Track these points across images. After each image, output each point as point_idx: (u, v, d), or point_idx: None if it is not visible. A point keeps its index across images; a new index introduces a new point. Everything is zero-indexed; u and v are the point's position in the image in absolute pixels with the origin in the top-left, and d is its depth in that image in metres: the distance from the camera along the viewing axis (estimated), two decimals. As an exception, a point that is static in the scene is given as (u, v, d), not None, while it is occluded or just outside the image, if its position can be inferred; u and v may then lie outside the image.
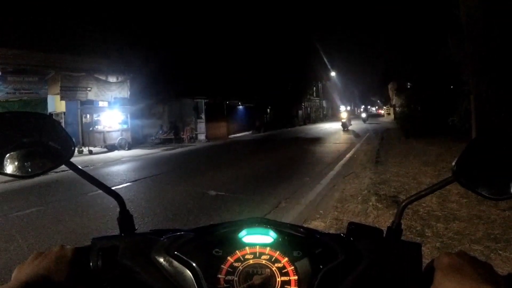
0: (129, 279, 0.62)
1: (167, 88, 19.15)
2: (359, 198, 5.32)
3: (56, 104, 16.63)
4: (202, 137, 20.79)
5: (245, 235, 0.64)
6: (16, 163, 0.66)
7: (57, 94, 15.16)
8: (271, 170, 8.99)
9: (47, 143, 0.68)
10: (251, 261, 0.60)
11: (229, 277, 0.58)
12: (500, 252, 3.13)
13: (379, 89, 49.99)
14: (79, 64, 15.54)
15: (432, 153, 9.23)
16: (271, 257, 0.61)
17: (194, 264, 0.59)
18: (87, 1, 16.06)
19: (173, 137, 19.58)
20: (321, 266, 0.58)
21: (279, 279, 0.58)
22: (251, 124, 28.23)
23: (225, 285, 0.57)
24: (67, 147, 0.70)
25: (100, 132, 15.79)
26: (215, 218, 4.92)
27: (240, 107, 27.35)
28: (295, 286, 0.57)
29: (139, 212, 5.33)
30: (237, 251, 0.61)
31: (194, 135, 20.68)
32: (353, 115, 40.41)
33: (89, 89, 15.78)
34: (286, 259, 0.60)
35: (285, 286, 0.57)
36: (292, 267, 0.59)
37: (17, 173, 0.67)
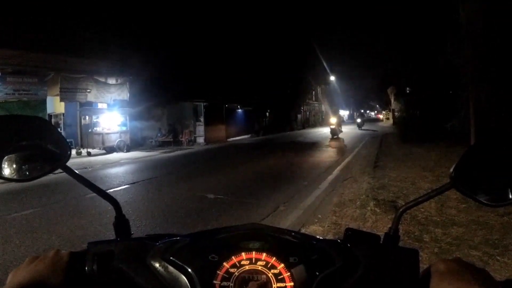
0: (125, 284, 0.61)
1: (166, 91, 19.16)
2: (358, 202, 5.32)
3: (55, 105, 16.64)
4: (201, 140, 20.80)
5: (241, 240, 0.64)
6: (13, 167, 0.66)
7: (57, 95, 15.17)
8: (269, 174, 8.98)
9: (44, 147, 0.68)
10: (247, 267, 0.60)
11: (225, 283, 0.58)
12: (498, 258, 3.13)
13: (378, 94, 50.07)
14: (79, 66, 15.55)
15: (431, 158, 9.25)
16: (267, 263, 0.60)
17: (189, 270, 0.59)
18: (87, 3, 16.07)
19: (171, 139, 19.58)
20: (317, 273, 0.58)
21: (275, 285, 0.57)
22: (250, 127, 28.25)
23: None
24: (64, 150, 0.70)
25: (99, 134, 15.78)
26: (213, 222, 4.90)
27: (239, 110, 27.37)
28: None
29: (137, 215, 5.32)
30: (233, 257, 0.61)
31: (193, 138, 20.68)
32: (352, 119, 37.43)
33: (88, 90, 15.78)
34: (282, 265, 0.59)
35: None
36: (288, 273, 0.58)
37: (14, 177, 0.67)
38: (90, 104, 16.61)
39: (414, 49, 15.05)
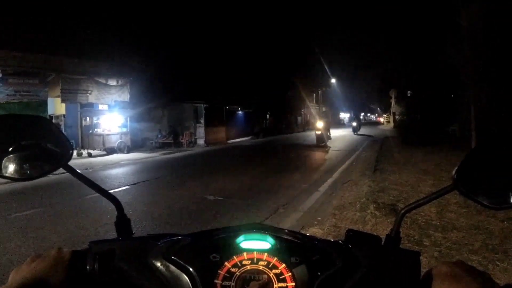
0: (126, 283, 0.61)
1: (166, 92, 19.19)
2: (358, 205, 5.31)
3: (56, 107, 16.66)
4: (201, 141, 20.79)
5: (243, 240, 0.64)
6: (14, 166, 0.66)
7: (58, 96, 15.21)
8: (269, 176, 8.97)
9: (46, 146, 0.68)
10: (248, 267, 0.60)
11: (226, 283, 0.58)
12: (498, 263, 3.12)
13: (379, 97, 50.05)
14: (80, 67, 15.59)
15: (432, 161, 9.23)
16: (269, 263, 0.60)
17: (191, 269, 0.59)
18: (87, 4, 16.12)
19: (172, 141, 19.57)
20: (318, 273, 0.58)
21: (276, 285, 0.57)
22: (250, 129, 28.24)
23: None
24: (65, 150, 0.70)
25: (99, 135, 15.82)
26: (212, 223, 4.90)
27: (240, 112, 27.37)
28: None
29: (137, 216, 5.32)
30: (234, 257, 0.61)
31: (193, 140, 20.67)
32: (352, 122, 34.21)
33: (89, 92, 15.82)
34: (284, 265, 0.59)
35: None
36: (290, 274, 0.58)
37: (16, 176, 0.67)
38: (90, 105, 16.66)
39: (414, 51, 15.05)
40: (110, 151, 15.80)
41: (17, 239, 4.37)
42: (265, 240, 0.64)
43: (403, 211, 0.67)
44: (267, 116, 32.80)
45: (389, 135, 23.15)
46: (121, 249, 0.64)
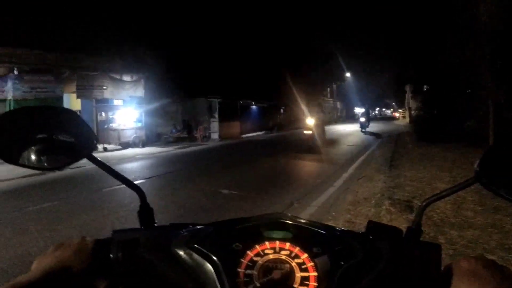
0: (149, 272, 0.62)
1: (181, 88, 19.29)
2: (373, 201, 5.27)
3: (71, 102, 16.91)
4: (215, 136, 20.86)
5: (265, 230, 0.64)
6: (37, 156, 0.67)
7: (73, 92, 15.44)
8: (283, 170, 8.97)
9: (69, 137, 0.69)
10: (270, 256, 0.60)
11: (249, 271, 0.58)
12: (515, 262, 3.07)
13: (394, 92, 49.30)
14: (94, 64, 15.79)
15: (448, 158, 9.07)
16: (291, 252, 0.61)
17: (214, 258, 0.59)
18: (102, 2, 16.30)
19: (186, 136, 19.69)
20: (341, 263, 0.58)
21: (298, 274, 0.58)
22: (264, 124, 28.16)
23: (244, 279, 0.57)
24: (89, 141, 0.71)
25: (114, 130, 15.99)
26: (227, 216, 4.90)
27: (254, 107, 27.33)
28: (314, 282, 0.56)
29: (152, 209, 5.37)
30: (256, 246, 0.61)
31: (207, 134, 20.74)
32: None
33: (104, 87, 16.00)
34: (306, 255, 0.60)
35: (305, 282, 0.57)
36: (312, 263, 0.58)
37: (38, 165, 0.67)
38: (106, 101, 16.85)
39: (431, 46, 14.72)
40: (125, 145, 15.98)
41: (35, 231, 4.47)
42: (287, 230, 0.64)
43: (424, 203, 0.66)
44: (281, 110, 32.67)
45: (405, 130, 22.22)
46: (144, 238, 0.65)
